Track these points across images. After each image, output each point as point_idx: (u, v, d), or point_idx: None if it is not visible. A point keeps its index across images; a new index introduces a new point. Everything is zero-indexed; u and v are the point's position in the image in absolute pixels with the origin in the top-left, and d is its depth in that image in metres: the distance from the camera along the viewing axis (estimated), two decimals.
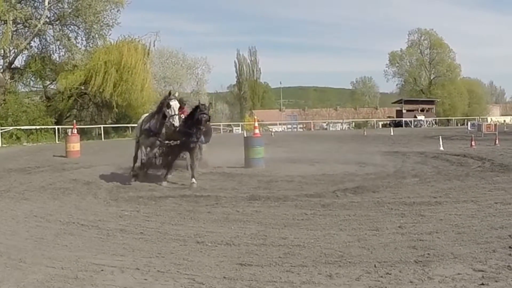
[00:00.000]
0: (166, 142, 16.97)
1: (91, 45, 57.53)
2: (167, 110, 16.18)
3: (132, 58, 55.04)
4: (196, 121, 16.23)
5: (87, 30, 55.96)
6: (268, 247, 8.41)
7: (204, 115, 16.16)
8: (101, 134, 55.39)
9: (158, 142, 17.15)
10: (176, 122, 16.13)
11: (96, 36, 56.62)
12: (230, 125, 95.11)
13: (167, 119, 16.28)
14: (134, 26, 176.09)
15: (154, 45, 61.67)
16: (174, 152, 17.29)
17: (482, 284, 6.39)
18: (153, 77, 67.49)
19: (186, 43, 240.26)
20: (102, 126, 56.02)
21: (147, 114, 19.01)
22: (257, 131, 22.84)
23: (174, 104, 16.21)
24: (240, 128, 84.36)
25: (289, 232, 9.40)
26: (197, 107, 16.51)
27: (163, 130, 16.91)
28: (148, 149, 17.55)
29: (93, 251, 8.27)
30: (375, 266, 7.16)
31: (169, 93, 16.70)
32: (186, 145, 16.70)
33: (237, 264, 7.41)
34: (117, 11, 56.37)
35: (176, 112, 16.24)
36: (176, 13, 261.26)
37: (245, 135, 28.87)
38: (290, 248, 8.26)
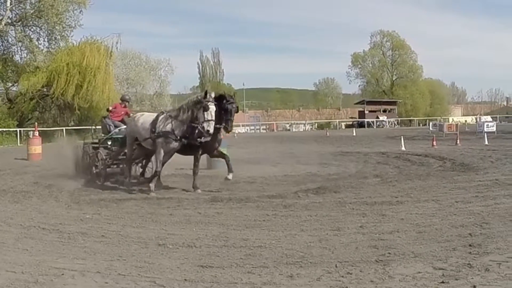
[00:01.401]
0: (198, 140, 15.05)
1: (53, 47, 56.83)
2: (204, 113, 14.57)
3: (95, 59, 54.49)
4: (225, 112, 14.83)
5: (49, 31, 55.31)
6: (230, 248, 8.42)
7: (233, 105, 14.98)
8: (63, 136, 54.84)
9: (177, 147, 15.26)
10: (211, 129, 14.53)
11: (59, 37, 55.99)
12: None
13: (200, 123, 14.64)
14: (96, 28, 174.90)
15: (116, 47, 61.22)
16: (195, 154, 15.92)
17: (442, 282, 6.47)
18: (115, 79, 66.95)
19: (149, 44, 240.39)
20: (64, 128, 55.36)
21: (149, 114, 17.13)
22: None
23: (212, 108, 14.56)
24: None
25: (250, 233, 9.43)
26: (221, 96, 15.19)
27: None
28: (163, 155, 15.22)
29: (54, 255, 8.19)
30: (336, 266, 7.20)
31: (206, 94, 14.82)
32: (209, 145, 15.46)
33: (198, 266, 7.40)
34: (80, 12, 55.80)
35: (213, 118, 14.55)
36: (139, 15, 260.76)
37: None
38: (252, 249, 8.28)
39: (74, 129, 55.09)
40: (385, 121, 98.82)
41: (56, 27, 54.49)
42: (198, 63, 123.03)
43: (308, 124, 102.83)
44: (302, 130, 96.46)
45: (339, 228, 9.61)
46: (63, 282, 6.81)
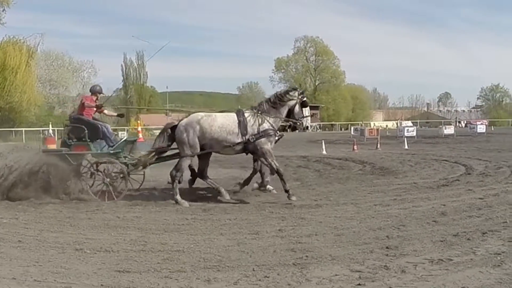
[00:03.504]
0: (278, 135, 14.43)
1: None
2: (303, 109, 14.43)
3: (16, 59, 53.55)
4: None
5: None
6: (148, 253, 8.33)
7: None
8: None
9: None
10: (309, 124, 14.91)
11: None
12: (115, 129, 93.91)
13: (299, 119, 14.28)
14: (19, 27, 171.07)
15: (39, 47, 60.30)
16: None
17: (359, 284, 6.54)
18: (38, 80, 65.95)
19: (72, 45, 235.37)
20: None
21: (210, 114, 14.45)
22: (140, 135, 22.64)
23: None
24: (126, 133, 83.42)
25: (169, 238, 9.37)
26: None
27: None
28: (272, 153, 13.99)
29: None
30: (253, 269, 7.19)
31: (303, 91, 14.89)
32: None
33: (116, 271, 7.29)
34: (2, 11, 54.85)
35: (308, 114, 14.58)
36: (63, 15, 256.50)
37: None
38: (170, 254, 8.21)
39: None
40: (308, 126, 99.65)
41: None
42: (121, 65, 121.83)
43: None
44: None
45: (258, 232, 9.62)
46: None
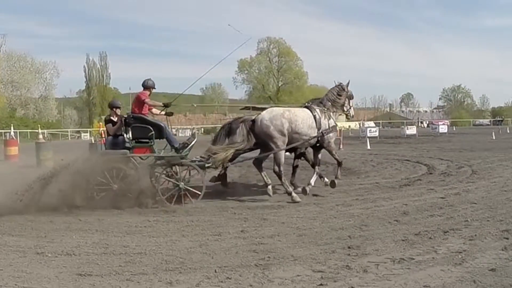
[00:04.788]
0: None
1: None
2: (350, 101, 15.85)
3: None
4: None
5: None
6: (109, 256, 8.26)
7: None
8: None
9: None
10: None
11: None
12: (78, 131, 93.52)
13: (348, 110, 15.79)
14: None
15: (1, 48, 59.94)
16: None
17: (321, 284, 6.54)
18: (0, 81, 65.51)
19: (34, 46, 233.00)
20: None
21: (288, 109, 14.83)
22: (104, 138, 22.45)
23: None
24: (88, 134, 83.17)
25: (131, 240, 9.29)
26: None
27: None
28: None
29: None
30: (215, 271, 7.17)
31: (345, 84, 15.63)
32: None
33: (77, 275, 7.21)
34: None
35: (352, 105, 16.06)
36: (25, 15, 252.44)
37: (93, 142, 28.25)
38: (132, 256, 8.14)
39: None
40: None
41: None
42: (84, 66, 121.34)
43: (194, 129, 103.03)
44: (188, 135, 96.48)
45: (220, 233, 9.61)
46: None
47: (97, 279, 7.03)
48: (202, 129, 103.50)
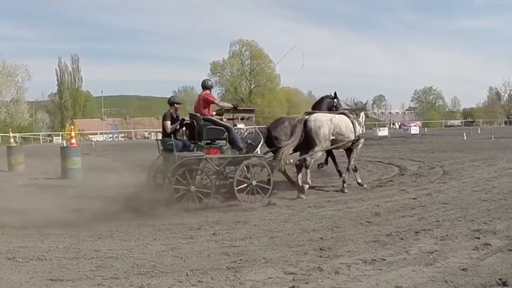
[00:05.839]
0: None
1: None
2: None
3: None
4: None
5: None
6: (81, 260, 8.19)
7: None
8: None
9: None
10: None
11: None
12: (50, 134, 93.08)
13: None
14: None
15: None
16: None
17: (293, 286, 6.56)
18: None
19: (6, 49, 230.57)
20: None
21: (332, 115, 15.76)
22: (73, 141, 22.38)
23: None
24: (60, 138, 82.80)
25: (102, 244, 9.24)
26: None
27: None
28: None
29: None
30: (187, 274, 7.15)
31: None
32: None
33: (48, 280, 7.15)
34: None
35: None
36: None
37: (65, 145, 28.19)
38: (103, 261, 8.09)
39: None
40: (243, 129, 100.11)
41: None
42: (56, 70, 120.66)
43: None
44: (161, 137, 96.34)
45: (192, 236, 9.60)
46: None
47: (69, 284, 6.97)
48: None
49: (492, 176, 17.09)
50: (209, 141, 13.96)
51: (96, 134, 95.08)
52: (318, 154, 15.42)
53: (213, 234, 9.76)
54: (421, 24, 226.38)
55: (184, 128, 15.07)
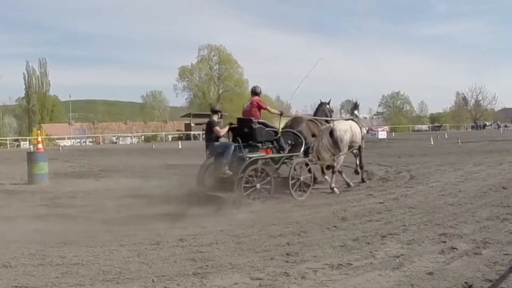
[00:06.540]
0: None
1: None
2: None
3: None
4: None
5: None
6: (46, 267, 8.10)
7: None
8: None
9: None
10: None
11: None
12: (17, 139, 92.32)
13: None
14: None
15: None
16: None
17: None
18: None
19: None
20: None
21: (344, 122, 17.71)
22: (40, 146, 22.22)
23: None
24: (28, 143, 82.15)
25: (68, 250, 9.11)
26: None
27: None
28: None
29: None
30: (153, 280, 7.11)
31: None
32: None
33: (13, 287, 7.08)
34: None
35: None
36: None
37: (32, 150, 27.99)
38: (69, 267, 8.00)
39: None
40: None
41: None
42: (24, 73, 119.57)
43: (135, 137, 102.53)
44: (129, 143, 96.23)
45: (159, 242, 9.52)
46: None
47: None
48: (143, 137, 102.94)
49: (459, 180, 17.32)
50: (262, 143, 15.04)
51: (64, 139, 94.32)
52: (341, 158, 16.87)
53: (180, 240, 9.68)
54: (387, 31, 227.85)
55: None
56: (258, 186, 13.94)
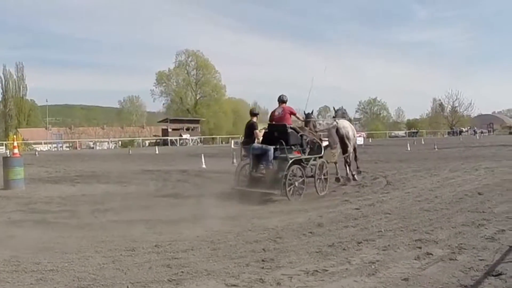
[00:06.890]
0: None
1: None
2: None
3: None
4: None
5: None
6: (20, 273, 8.00)
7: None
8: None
9: None
10: None
11: None
12: None
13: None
14: None
15: None
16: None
17: None
18: None
19: None
20: None
21: (345, 121, 21.28)
22: (16, 150, 22.08)
23: None
24: (4, 147, 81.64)
25: (43, 257, 9.01)
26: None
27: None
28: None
29: None
30: (127, 287, 7.06)
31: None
32: None
33: None
34: None
35: None
36: None
37: (8, 155, 27.82)
38: (43, 274, 7.92)
39: None
40: (188, 139, 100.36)
41: None
42: (1, 77, 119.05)
43: (112, 142, 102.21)
44: (106, 148, 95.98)
45: (134, 248, 9.44)
46: None
47: None
48: (120, 142, 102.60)
49: (435, 186, 17.45)
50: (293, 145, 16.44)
51: (41, 144, 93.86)
52: (350, 151, 20.28)
53: (155, 246, 9.61)
54: (364, 36, 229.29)
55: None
56: (296, 184, 15.52)
